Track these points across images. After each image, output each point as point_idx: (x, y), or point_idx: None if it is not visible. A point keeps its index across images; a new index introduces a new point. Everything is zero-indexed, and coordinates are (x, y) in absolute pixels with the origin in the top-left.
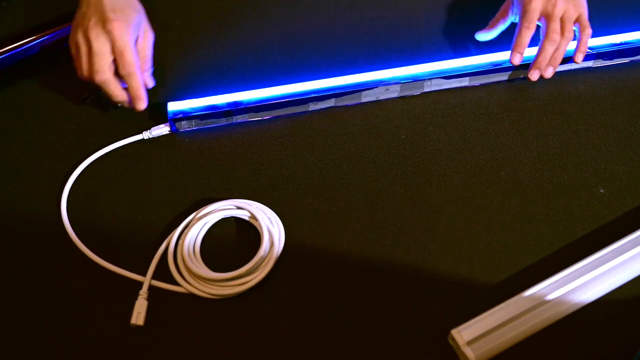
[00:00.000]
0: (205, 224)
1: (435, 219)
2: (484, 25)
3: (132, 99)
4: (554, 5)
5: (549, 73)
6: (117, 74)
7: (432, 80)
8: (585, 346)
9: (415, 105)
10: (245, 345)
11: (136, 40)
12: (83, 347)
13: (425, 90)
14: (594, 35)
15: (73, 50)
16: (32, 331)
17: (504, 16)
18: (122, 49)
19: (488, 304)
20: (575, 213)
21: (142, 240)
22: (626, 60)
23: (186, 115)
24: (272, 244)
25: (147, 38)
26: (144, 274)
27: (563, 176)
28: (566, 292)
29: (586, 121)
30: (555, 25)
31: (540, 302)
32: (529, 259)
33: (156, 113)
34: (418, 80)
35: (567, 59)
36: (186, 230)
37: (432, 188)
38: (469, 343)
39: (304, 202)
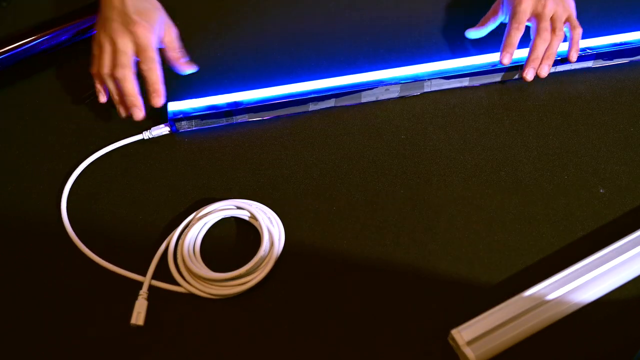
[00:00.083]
0: (205, 224)
1: (435, 219)
2: None
3: (149, 93)
4: (544, 6)
5: (544, 71)
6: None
7: (432, 81)
8: (585, 346)
9: (415, 105)
10: (245, 345)
11: (162, 38)
12: (83, 347)
13: (425, 90)
14: (594, 35)
15: (96, 50)
16: (32, 331)
17: (494, 15)
18: (144, 47)
19: (488, 304)
20: (575, 213)
21: (142, 240)
22: (626, 60)
23: (186, 116)
24: (272, 244)
25: (172, 33)
26: (144, 274)
27: (563, 176)
28: (566, 292)
29: (586, 121)
30: (546, 24)
31: (540, 302)
32: (529, 259)
33: (156, 113)
34: (418, 81)
35: (564, 60)
36: (186, 230)
37: (432, 188)
38: (469, 343)
39: (304, 202)
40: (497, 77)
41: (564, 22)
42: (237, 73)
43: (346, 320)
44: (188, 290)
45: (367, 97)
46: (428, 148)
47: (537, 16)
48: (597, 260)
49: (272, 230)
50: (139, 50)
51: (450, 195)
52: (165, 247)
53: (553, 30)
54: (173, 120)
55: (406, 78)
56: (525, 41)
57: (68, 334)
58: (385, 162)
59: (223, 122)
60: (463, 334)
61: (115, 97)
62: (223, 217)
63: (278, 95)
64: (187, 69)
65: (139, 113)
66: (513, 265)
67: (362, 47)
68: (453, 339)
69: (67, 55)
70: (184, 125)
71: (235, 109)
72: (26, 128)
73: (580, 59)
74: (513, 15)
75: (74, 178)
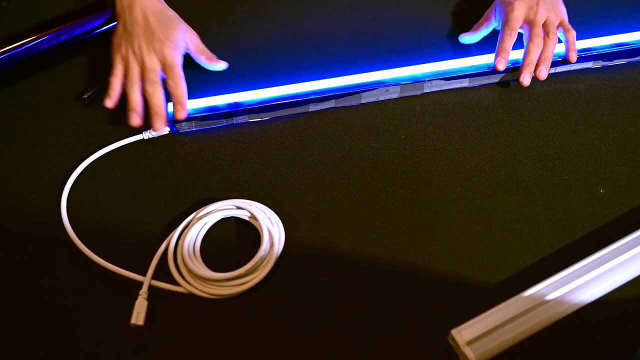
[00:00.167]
0: (205, 224)
1: (435, 219)
2: None
3: (175, 106)
4: (536, 13)
5: (543, 74)
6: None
7: (432, 82)
8: (585, 346)
9: (415, 105)
10: (245, 345)
11: (188, 46)
12: (83, 347)
13: (426, 91)
14: (593, 36)
15: (121, 64)
16: (32, 331)
17: (487, 20)
18: (171, 65)
19: (488, 304)
20: (575, 213)
21: (142, 240)
22: (625, 61)
23: (186, 116)
24: (272, 244)
25: (195, 39)
26: (144, 274)
27: (563, 176)
28: (566, 292)
29: (586, 121)
30: (538, 31)
31: (540, 302)
32: (529, 259)
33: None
34: (418, 82)
35: (564, 61)
36: (186, 230)
37: (432, 188)
38: (469, 343)
39: (304, 202)
40: (496, 78)
41: (557, 27)
42: (237, 73)
43: (346, 320)
44: (188, 290)
45: (367, 97)
46: (428, 148)
47: (529, 23)
48: (597, 260)
49: (272, 230)
50: (165, 68)
51: (450, 195)
52: (165, 247)
53: (547, 34)
54: (173, 121)
55: (406, 79)
56: (519, 47)
57: (68, 334)
58: (385, 162)
59: (223, 122)
60: (463, 334)
61: (135, 106)
62: (223, 217)
63: (278, 96)
64: (221, 65)
65: (160, 123)
66: (513, 265)
67: (362, 47)
68: (453, 339)
69: (67, 55)
70: (184, 126)
71: (235, 109)
72: (26, 128)
73: (580, 59)
74: (506, 22)
75: (74, 178)
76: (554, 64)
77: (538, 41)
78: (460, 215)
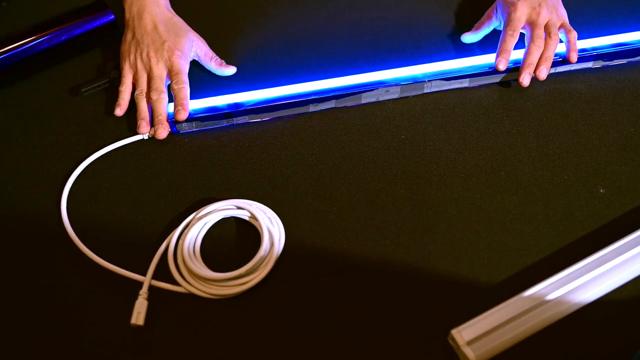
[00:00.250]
0: (205, 224)
1: (435, 219)
2: None
3: (176, 107)
4: (538, 14)
5: (543, 74)
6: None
7: (432, 82)
8: (585, 346)
9: (415, 105)
10: (245, 345)
11: (198, 53)
12: (83, 347)
13: (426, 91)
14: (594, 36)
15: (130, 71)
16: (32, 331)
17: (488, 19)
18: (177, 72)
19: (488, 304)
20: (575, 213)
21: (142, 240)
22: (625, 61)
23: (187, 117)
24: (272, 244)
25: (203, 46)
26: (144, 274)
27: (563, 176)
28: (566, 292)
29: (586, 121)
30: (540, 32)
31: (540, 302)
32: (529, 259)
33: None
34: (418, 82)
35: (565, 61)
36: (186, 230)
37: (432, 188)
38: (469, 343)
39: (304, 202)
40: (497, 79)
41: (559, 28)
42: (237, 73)
43: (346, 320)
44: (188, 290)
45: (367, 98)
46: (428, 148)
47: (531, 24)
48: (597, 260)
49: (272, 230)
50: (172, 75)
51: (450, 195)
52: (165, 247)
53: (548, 35)
54: (174, 121)
55: (406, 79)
56: (520, 47)
57: (68, 334)
58: (385, 162)
59: (223, 123)
60: (463, 334)
61: (145, 115)
62: (223, 217)
63: (278, 97)
64: (231, 70)
65: (164, 132)
66: (513, 265)
67: (362, 47)
68: (453, 339)
69: (67, 55)
70: (185, 127)
71: (236, 110)
72: (26, 128)
73: (580, 59)
74: (508, 22)
75: (74, 178)
76: (554, 64)
77: (539, 42)
78: (460, 215)
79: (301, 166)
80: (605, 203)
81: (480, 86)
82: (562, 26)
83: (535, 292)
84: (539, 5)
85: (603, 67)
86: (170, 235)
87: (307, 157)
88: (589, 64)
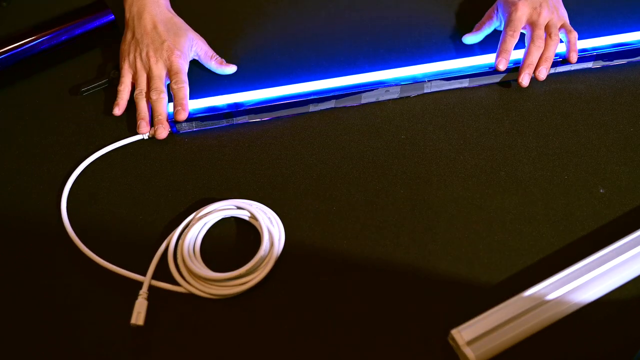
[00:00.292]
0: (205, 224)
1: (435, 219)
2: None
3: (175, 107)
4: (539, 14)
5: (542, 74)
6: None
7: (432, 82)
8: (585, 346)
9: (415, 105)
10: (245, 345)
11: (198, 53)
12: (83, 347)
13: (426, 91)
14: (593, 36)
15: (129, 71)
16: (32, 331)
17: (489, 20)
18: (177, 71)
19: (488, 304)
20: (575, 213)
21: (142, 240)
22: (625, 61)
23: (186, 118)
24: (272, 244)
25: (204, 46)
26: (144, 274)
27: (563, 176)
28: (566, 292)
29: (586, 121)
30: (540, 32)
31: (540, 302)
32: (529, 259)
33: None
34: (418, 82)
35: (565, 61)
36: (186, 230)
37: (432, 188)
38: (469, 343)
39: (304, 202)
40: (497, 79)
41: (559, 29)
42: (237, 73)
43: (346, 320)
44: (188, 290)
45: (367, 98)
46: (428, 148)
47: (532, 24)
48: (597, 260)
49: (272, 230)
50: (171, 75)
51: (450, 195)
52: (165, 247)
53: (549, 35)
54: (173, 121)
55: (406, 79)
56: (520, 47)
57: (68, 334)
58: (385, 162)
59: (223, 123)
60: (463, 334)
61: (145, 115)
62: (223, 217)
63: (278, 97)
64: (231, 68)
65: (164, 132)
66: (513, 265)
67: (362, 47)
68: (453, 339)
69: (67, 55)
70: (184, 127)
71: (236, 110)
72: (26, 128)
73: (580, 59)
74: (508, 22)
75: (74, 178)
76: (554, 64)
77: (539, 42)
78: (460, 215)
79: (301, 166)
80: (605, 203)
81: (480, 86)
82: (562, 27)
83: (535, 292)
84: (540, 5)
85: (603, 67)
86: (170, 235)
87: (307, 157)
88: (589, 64)
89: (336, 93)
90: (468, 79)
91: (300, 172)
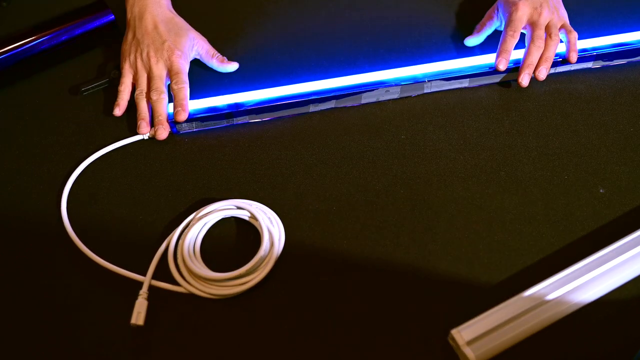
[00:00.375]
0: (205, 224)
1: (435, 219)
2: None
3: (176, 108)
4: (540, 15)
5: (542, 74)
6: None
7: (432, 82)
8: (585, 346)
9: (415, 105)
10: (245, 345)
11: (199, 52)
12: (83, 347)
13: (426, 91)
14: (593, 36)
15: (129, 72)
16: (32, 331)
17: (490, 20)
18: (177, 71)
19: (488, 304)
20: (575, 213)
21: (142, 240)
22: (625, 61)
23: (187, 118)
24: (272, 244)
25: (205, 45)
26: (144, 274)
27: (563, 176)
28: (566, 292)
29: (586, 121)
30: (540, 33)
31: (540, 302)
32: (529, 259)
33: None
34: (418, 82)
35: (564, 61)
36: (186, 230)
37: (432, 188)
38: (469, 343)
39: (304, 202)
40: (497, 79)
41: (559, 29)
42: (237, 73)
43: (346, 320)
44: (188, 290)
45: (367, 98)
46: (428, 148)
47: (532, 24)
48: (597, 260)
49: (272, 230)
50: (172, 75)
51: (450, 195)
52: (165, 247)
53: (549, 35)
54: (174, 121)
55: (406, 79)
56: (521, 47)
57: (68, 334)
58: (385, 162)
59: (223, 123)
60: (463, 334)
61: (145, 115)
62: (223, 217)
63: (278, 97)
64: (232, 66)
65: (164, 132)
66: (513, 265)
67: (362, 47)
68: (453, 339)
69: (67, 55)
70: (185, 127)
71: (236, 110)
72: (26, 128)
73: (580, 59)
74: (509, 22)
75: (74, 178)
76: (554, 64)
77: (539, 43)
78: (460, 215)
79: (301, 166)
80: (605, 203)
81: (480, 86)
82: (562, 27)
83: (535, 292)
84: (540, 5)
85: (603, 67)
86: (170, 235)
87: (307, 157)
88: (589, 64)
89: (336, 93)
90: (468, 79)
91: (300, 172)
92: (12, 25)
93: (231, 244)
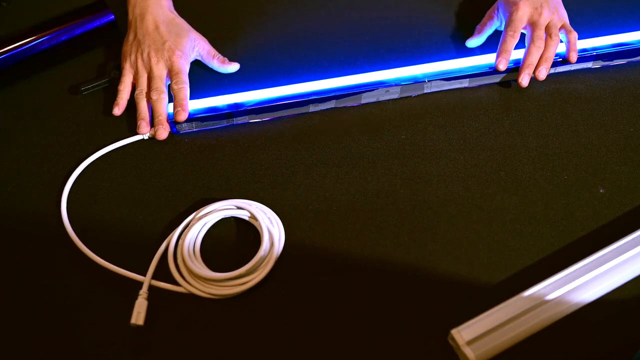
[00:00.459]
0: (205, 224)
1: (435, 219)
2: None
3: (175, 108)
4: (540, 15)
5: (542, 74)
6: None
7: (432, 82)
8: (585, 346)
9: (415, 105)
10: (245, 345)
11: (200, 52)
12: (83, 347)
13: (426, 91)
14: (593, 36)
15: (130, 71)
16: (32, 331)
17: (490, 20)
18: (177, 71)
19: (488, 304)
20: (575, 213)
21: (142, 240)
22: (625, 61)
23: (186, 118)
24: (272, 244)
25: (206, 46)
26: (144, 274)
27: (563, 176)
28: (566, 292)
29: (586, 121)
30: (540, 33)
31: (540, 302)
32: (529, 259)
33: None
34: (418, 82)
35: (564, 61)
36: (186, 230)
37: (432, 188)
38: (469, 343)
39: (304, 202)
40: (497, 79)
41: (559, 29)
42: (237, 73)
43: (346, 320)
44: (188, 290)
45: (367, 98)
46: (428, 148)
47: (532, 24)
48: (597, 260)
49: (272, 230)
50: (172, 75)
51: (450, 195)
52: (165, 247)
53: (549, 35)
54: (174, 121)
55: (406, 79)
56: (521, 47)
57: (68, 334)
58: (385, 162)
59: (223, 123)
60: (463, 334)
61: (145, 115)
62: (223, 217)
63: (278, 97)
64: (234, 67)
65: (164, 132)
66: (513, 265)
67: (362, 47)
68: (453, 339)
69: (67, 55)
70: (185, 127)
71: (236, 110)
72: (26, 128)
73: (580, 59)
74: (509, 22)
75: (74, 178)
76: (554, 64)
77: (539, 43)
78: (460, 215)
79: (301, 166)
80: (605, 203)
81: (480, 86)
82: (562, 27)
83: (535, 292)
84: (541, 5)
85: (603, 67)
86: (170, 235)
87: (307, 157)
88: (589, 64)
89: (336, 93)
90: (468, 79)
91: (300, 172)
92: (12, 25)
93: (231, 244)
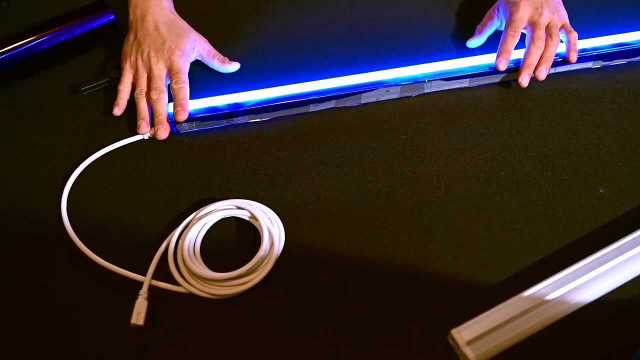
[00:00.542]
0: (205, 224)
1: (435, 219)
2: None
3: (175, 108)
4: (540, 15)
5: (542, 74)
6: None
7: (432, 82)
8: (585, 346)
9: (415, 105)
10: (245, 345)
11: (201, 53)
12: (83, 347)
13: (426, 91)
14: (593, 36)
15: (130, 71)
16: (32, 331)
17: (490, 20)
18: (177, 71)
19: (488, 304)
20: (575, 213)
21: (142, 240)
22: (625, 61)
23: (186, 118)
24: (272, 244)
25: (206, 46)
26: (144, 274)
27: (563, 176)
28: (566, 292)
29: (586, 121)
30: (541, 33)
31: (540, 302)
32: (529, 259)
33: None
34: (418, 82)
35: (565, 61)
36: (186, 230)
37: (432, 188)
38: (469, 343)
39: (304, 202)
40: (497, 79)
41: (560, 29)
42: (237, 73)
43: (346, 320)
44: (188, 290)
45: (367, 98)
46: (428, 148)
47: (532, 24)
48: (597, 260)
49: (272, 230)
50: (172, 75)
51: (450, 195)
52: (165, 247)
53: (549, 35)
54: (174, 121)
55: (406, 79)
56: (521, 47)
57: (68, 334)
58: (385, 162)
59: (223, 123)
60: (463, 334)
61: (145, 115)
62: (223, 217)
63: (278, 97)
64: (234, 66)
65: (164, 132)
66: (513, 265)
67: (362, 47)
68: (453, 339)
69: (67, 55)
70: (185, 127)
71: (236, 110)
72: (26, 128)
73: (580, 59)
74: (510, 22)
75: (74, 178)
76: (554, 64)
77: (539, 43)
78: (460, 215)
79: (301, 166)
80: (605, 203)
81: (480, 86)
82: (563, 27)
83: (535, 292)
84: (541, 5)
85: (603, 67)
86: (170, 235)
87: (307, 157)
88: (589, 64)
89: (336, 93)
90: (468, 79)
91: (300, 172)
92: (12, 25)
93: (231, 244)
